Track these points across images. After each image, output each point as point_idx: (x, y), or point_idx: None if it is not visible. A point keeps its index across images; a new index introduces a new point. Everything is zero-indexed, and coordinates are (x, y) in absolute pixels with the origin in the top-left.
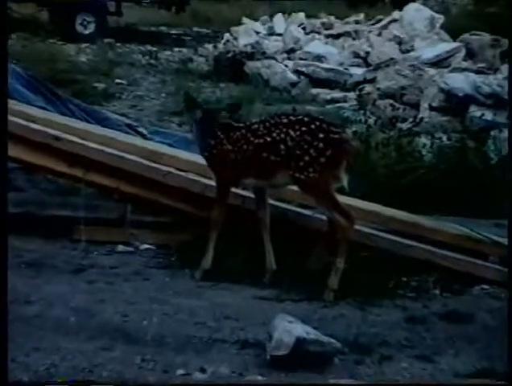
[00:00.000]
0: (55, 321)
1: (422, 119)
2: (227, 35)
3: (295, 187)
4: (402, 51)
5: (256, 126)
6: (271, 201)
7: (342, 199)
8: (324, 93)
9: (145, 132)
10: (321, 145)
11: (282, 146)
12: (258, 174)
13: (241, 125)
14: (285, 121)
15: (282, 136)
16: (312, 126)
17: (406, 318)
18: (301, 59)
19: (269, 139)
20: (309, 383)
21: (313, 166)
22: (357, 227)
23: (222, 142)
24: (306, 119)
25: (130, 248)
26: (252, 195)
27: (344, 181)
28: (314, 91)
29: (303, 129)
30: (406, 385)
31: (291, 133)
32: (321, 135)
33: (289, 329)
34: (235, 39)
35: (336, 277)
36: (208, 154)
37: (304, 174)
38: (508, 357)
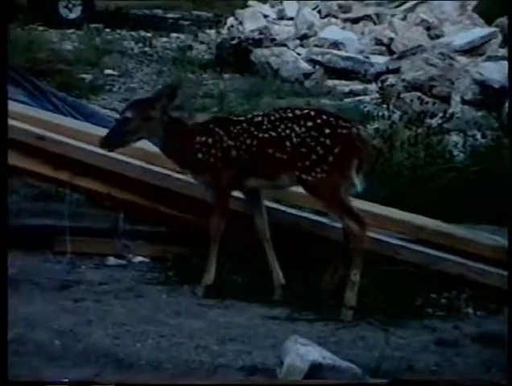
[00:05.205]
0: (36, 345)
1: (453, 114)
2: (231, 20)
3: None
4: (431, 37)
5: (259, 119)
6: (283, 208)
7: (364, 206)
8: (342, 85)
9: None
10: (328, 141)
11: (287, 143)
12: (263, 173)
13: (242, 118)
14: (290, 115)
15: (288, 132)
16: (318, 121)
17: (435, 340)
18: (315, 46)
19: (274, 134)
20: (309, 383)
21: (320, 166)
22: (381, 237)
23: (222, 139)
24: (312, 113)
25: (122, 262)
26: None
27: (357, 182)
28: (330, 82)
29: (309, 124)
30: (404, 382)
31: (296, 128)
32: (327, 130)
33: (302, 353)
34: (240, 23)
35: (352, 293)
36: (204, 155)
37: (312, 174)
38: (508, 357)
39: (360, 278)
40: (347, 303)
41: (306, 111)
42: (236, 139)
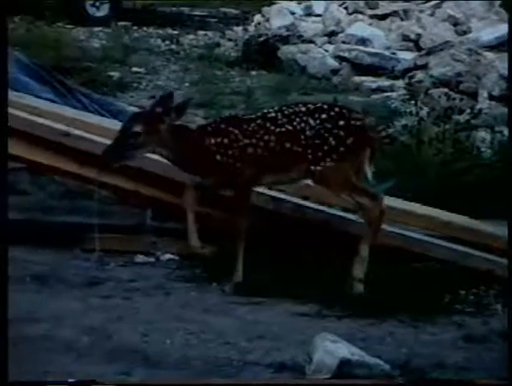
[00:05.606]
0: (64, 342)
1: (481, 110)
2: (258, 17)
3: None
4: (458, 33)
5: (273, 115)
6: (311, 205)
7: (392, 202)
8: (369, 81)
9: None
10: (342, 133)
11: (302, 136)
12: (279, 168)
13: (253, 116)
14: (303, 109)
15: (303, 125)
16: (332, 113)
17: (464, 336)
18: (343, 42)
19: (290, 128)
20: (310, 383)
21: (331, 156)
22: (409, 234)
23: (238, 138)
24: (325, 106)
25: (151, 259)
26: (286, 197)
27: (369, 174)
28: (357, 79)
29: (323, 116)
30: (404, 384)
31: (311, 121)
32: (342, 122)
33: (331, 349)
34: (267, 20)
35: (361, 266)
36: (222, 156)
37: (321, 164)
38: (508, 356)
39: (369, 254)
40: (355, 276)
41: (319, 104)
42: (252, 136)
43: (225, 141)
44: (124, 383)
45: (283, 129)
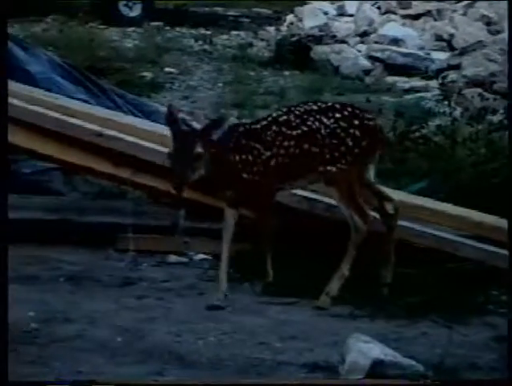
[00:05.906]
0: (98, 342)
1: None
2: (291, 17)
3: None
4: (491, 33)
5: (285, 117)
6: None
7: (423, 202)
8: (402, 82)
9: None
10: (358, 133)
11: (318, 136)
12: (300, 172)
13: (264, 122)
14: (315, 107)
15: (317, 124)
16: (345, 112)
17: (497, 337)
18: (375, 42)
19: (306, 128)
20: (310, 383)
21: (346, 158)
22: (441, 233)
23: (260, 152)
24: (337, 105)
25: (184, 259)
26: (322, 198)
27: (372, 173)
28: (390, 79)
29: (337, 115)
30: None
31: (325, 120)
32: (356, 122)
33: (365, 350)
34: (300, 20)
35: (338, 283)
36: (249, 174)
37: (337, 166)
38: (508, 357)
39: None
40: (329, 291)
41: (330, 103)
42: (272, 146)
43: (250, 157)
44: (125, 383)
45: (299, 131)
